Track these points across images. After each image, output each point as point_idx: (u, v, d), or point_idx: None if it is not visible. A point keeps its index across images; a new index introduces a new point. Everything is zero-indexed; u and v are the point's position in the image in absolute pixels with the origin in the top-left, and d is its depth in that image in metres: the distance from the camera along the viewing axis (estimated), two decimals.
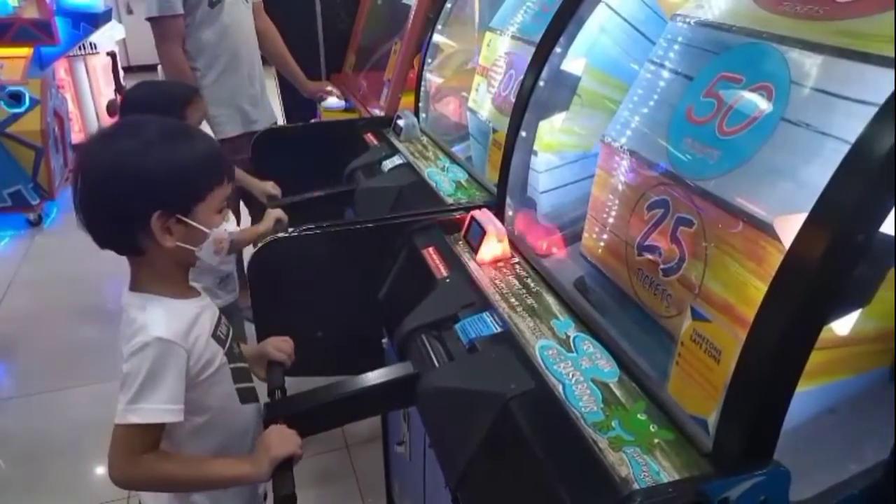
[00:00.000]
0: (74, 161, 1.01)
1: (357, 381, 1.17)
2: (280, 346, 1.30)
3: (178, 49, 2.45)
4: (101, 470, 2.28)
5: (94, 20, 4.59)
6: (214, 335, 1.11)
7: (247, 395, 1.18)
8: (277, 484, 1.03)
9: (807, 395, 0.83)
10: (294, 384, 1.23)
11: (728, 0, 1.15)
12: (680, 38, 1.19)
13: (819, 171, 0.83)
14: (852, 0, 0.93)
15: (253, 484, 1.17)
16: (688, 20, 1.18)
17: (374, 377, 1.17)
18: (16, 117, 3.74)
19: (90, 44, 4.91)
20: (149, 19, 2.41)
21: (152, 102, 1.86)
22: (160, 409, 1.00)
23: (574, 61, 1.45)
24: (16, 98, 3.76)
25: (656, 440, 0.84)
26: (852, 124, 0.81)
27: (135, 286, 1.07)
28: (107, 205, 1.00)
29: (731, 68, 1.06)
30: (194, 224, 1.03)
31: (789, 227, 0.80)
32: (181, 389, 1.02)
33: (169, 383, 1.00)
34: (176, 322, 1.03)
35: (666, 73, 1.19)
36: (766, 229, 0.87)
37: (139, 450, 1.01)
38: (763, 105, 0.97)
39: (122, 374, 1.02)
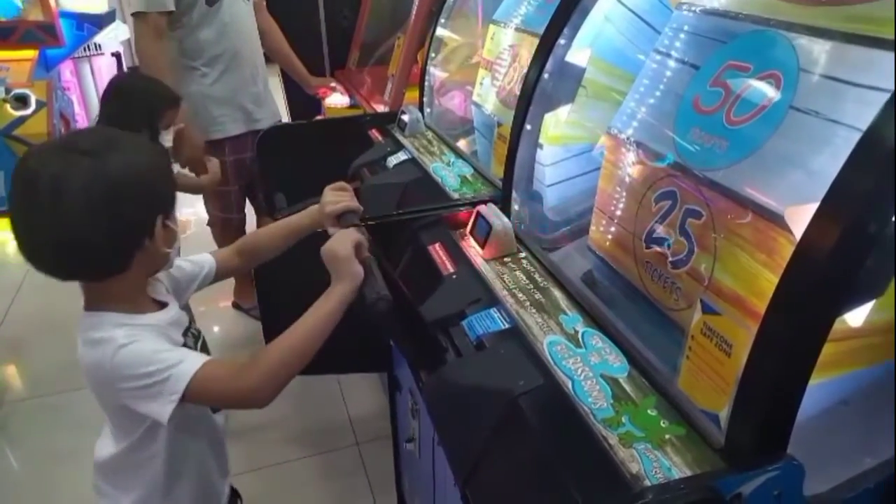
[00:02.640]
0: (14, 187, 0.91)
1: None
2: (335, 199, 1.20)
3: (160, 48, 2.35)
4: None
5: (99, 21, 4.60)
6: (184, 345, 1.07)
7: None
8: (366, 289, 0.99)
9: (819, 388, 0.82)
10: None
11: None
12: (686, 27, 1.18)
13: (829, 160, 0.81)
14: None
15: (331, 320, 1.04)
16: (693, 8, 1.17)
17: None
18: (22, 120, 3.76)
19: (95, 45, 4.92)
20: (134, 14, 2.31)
21: (136, 98, 1.91)
22: (191, 360, 0.96)
23: (579, 52, 1.44)
24: (22, 101, 3.78)
25: (667, 436, 0.83)
26: (863, 111, 0.79)
27: (93, 305, 1.02)
28: (101, 224, 0.91)
29: (738, 57, 1.04)
30: (173, 224, 1.00)
31: (800, 218, 0.79)
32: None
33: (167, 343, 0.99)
34: (141, 330, 0.99)
35: (672, 63, 1.17)
36: (776, 220, 0.85)
37: (229, 368, 0.97)
38: (771, 93, 0.96)
39: (126, 393, 0.96)
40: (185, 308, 1.17)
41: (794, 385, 0.73)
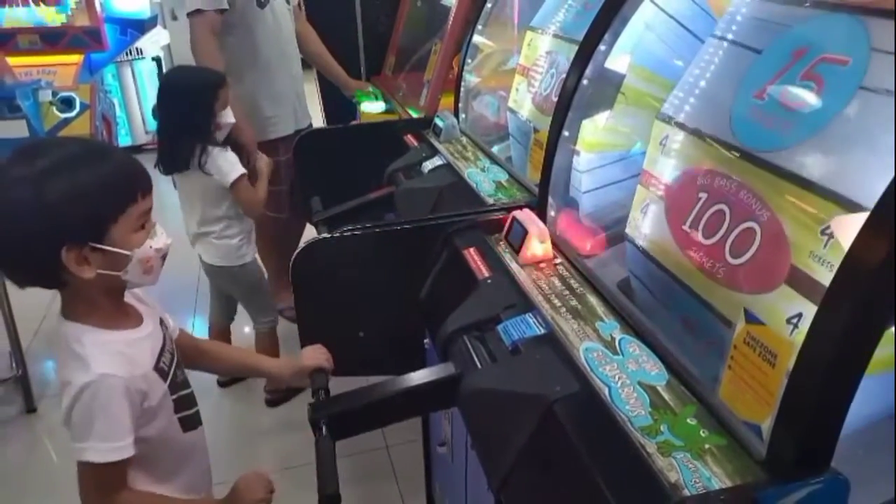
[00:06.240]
0: None
1: (399, 382, 1.17)
2: (314, 356, 1.30)
3: (216, 45, 2.40)
4: None
5: (141, 26, 4.72)
6: (157, 367, 1.08)
7: (189, 422, 1.16)
8: (320, 478, 1.02)
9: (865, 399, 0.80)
10: (334, 387, 1.24)
11: None
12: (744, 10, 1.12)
13: None
14: None
15: None
16: None
17: (416, 378, 1.17)
18: (67, 122, 3.88)
19: (136, 49, 5.05)
20: (192, 13, 2.35)
21: (188, 85, 1.99)
22: (111, 447, 1.00)
23: (618, 59, 1.43)
24: (67, 103, 3.89)
25: (707, 446, 0.82)
26: None
27: (68, 315, 1.03)
28: (9, 246, 0.95)
29: (803, 41, 0.98)
30: (112, 249, 0.98)
31: (849, 226, 0.77)
32: (129, 422, 1.02)
33: (118, 417, 1.01)
34: (115, 355, 1.01)
35: (730, 47, 1.12)
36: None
37: (108, 487, 1.03)
38: (837, 76, 0.90)
39: (65, 409, 1.02)
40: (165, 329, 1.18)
41: (840, 398, 0.71)
